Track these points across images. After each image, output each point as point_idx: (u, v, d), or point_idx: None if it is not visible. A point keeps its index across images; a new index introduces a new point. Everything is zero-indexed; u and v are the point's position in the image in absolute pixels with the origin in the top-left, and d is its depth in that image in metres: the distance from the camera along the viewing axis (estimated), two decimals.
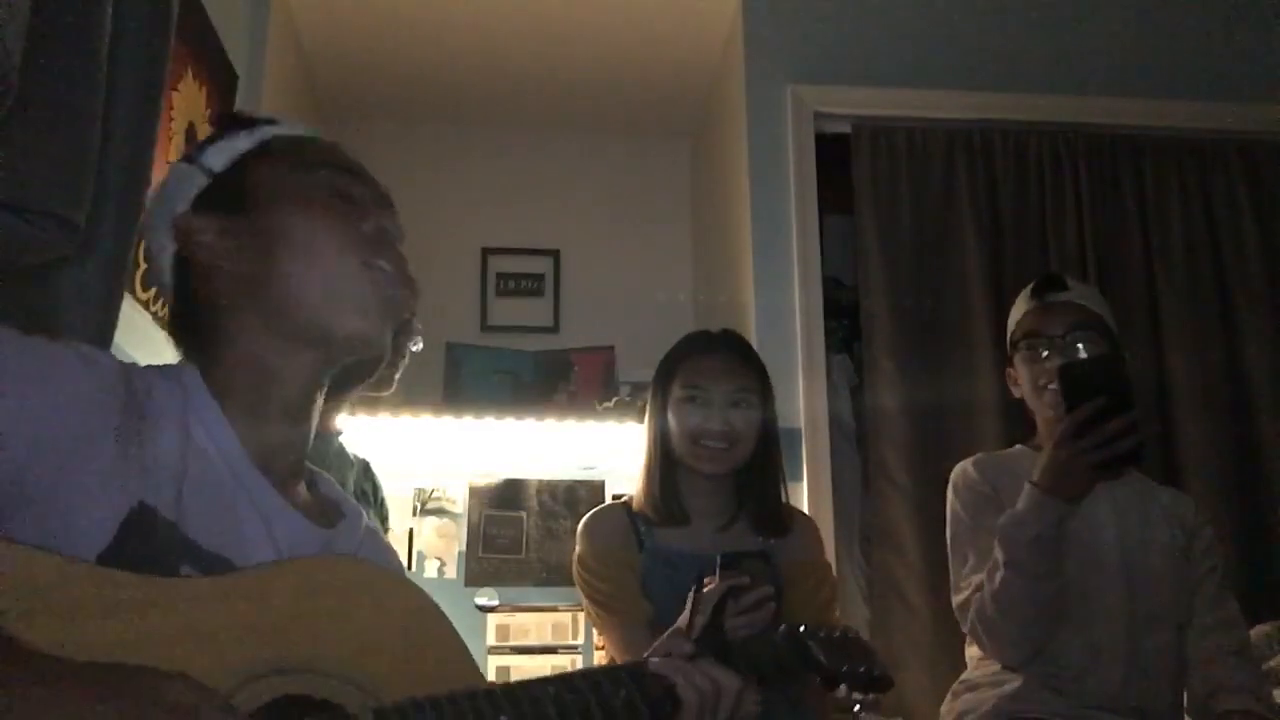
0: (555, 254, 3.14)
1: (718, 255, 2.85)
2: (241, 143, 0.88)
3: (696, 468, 1.64)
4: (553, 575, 2.61)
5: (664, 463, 1.66)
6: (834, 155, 2.48)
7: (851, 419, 2.70)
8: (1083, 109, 2.54)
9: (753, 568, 1.45)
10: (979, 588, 1.52)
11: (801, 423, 2.28)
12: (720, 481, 1.67)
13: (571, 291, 3.12)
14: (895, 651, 2.20)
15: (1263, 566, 2.26)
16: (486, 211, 3.14)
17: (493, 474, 2.66)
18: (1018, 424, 2.29)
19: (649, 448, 1.69)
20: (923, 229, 2.44)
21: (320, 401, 0.89)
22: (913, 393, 2.32)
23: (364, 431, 2.27)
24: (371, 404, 2.24)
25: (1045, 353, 1.59)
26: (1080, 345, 1.57)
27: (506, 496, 2.66)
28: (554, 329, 3.08)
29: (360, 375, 0.94)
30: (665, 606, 1.56)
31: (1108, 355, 1.56)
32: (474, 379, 2.88)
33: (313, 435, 0.89)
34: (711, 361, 1.67)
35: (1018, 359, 1.66)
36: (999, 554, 1.47)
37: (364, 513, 0.96)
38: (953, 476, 1.67)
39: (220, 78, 1.98)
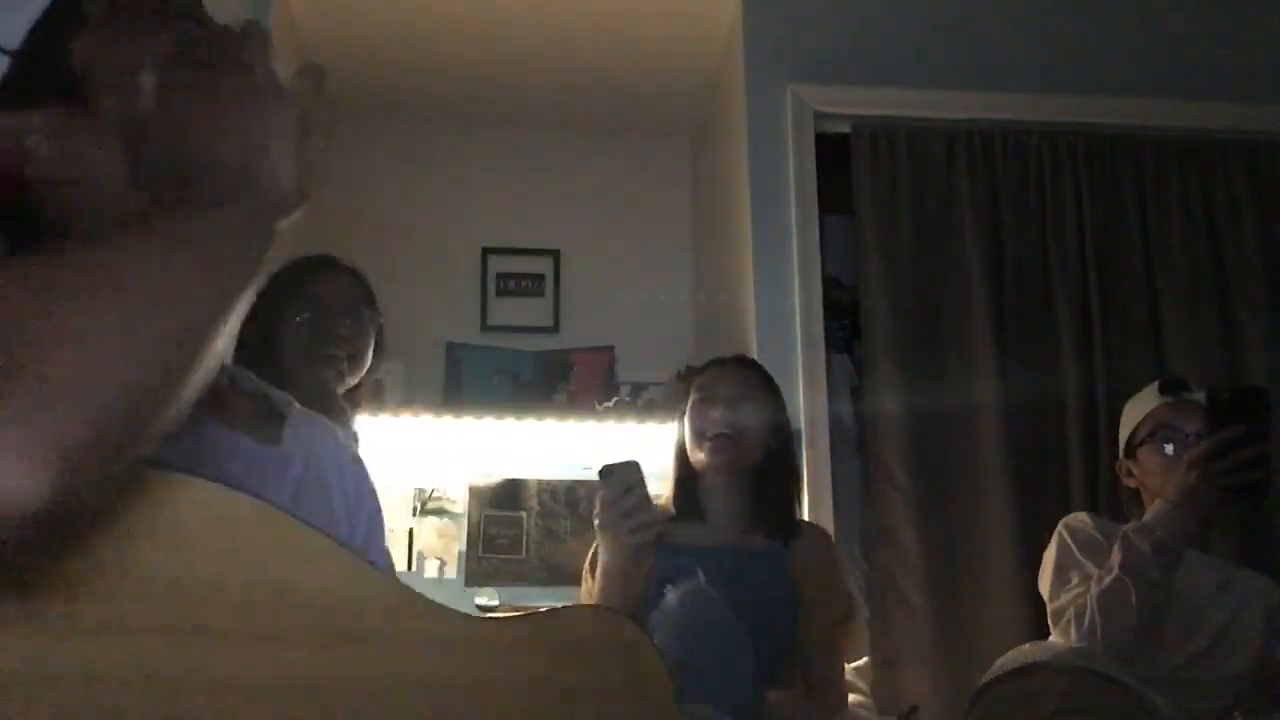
0: (555, 254, 3.14)
1: (718, 255, 2.85)
2: (28, 5, 0.61)
3: (708, 463, 1.73)
4: (553, 575, 2.61)
5: (682, 465, 1.79)
6: (834, 155, 2.48)
7: (851, 419, 2.70)
8: (1083, 109, 2.54)
9: (628, 475, 1.53)
10: (1079, 595, 1.61)
11: (802, 423, 2.28)
12: (734, 483, 1.75)
13: (571, 291, 3.12)
14: (895, 651, 2.20)
15: (1265, 569, 2.26)
16: (486, 211, 3.14)
17: (493, 474, 2.66)
18: (1018, 424, 2.30)
19: (674, 455, 1.82)
20: (923, 229, 2.44)
21: None
22: (913, 393, 2.32)
23: (364, 431, 2.27)
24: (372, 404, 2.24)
25: (1178, 448, 1.69)
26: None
27: (506, 496, 2.67)
28: (554, 329, 3.08)
29: None
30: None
31: (1255, 388, 1.68)
32: (474, 379, 2.88)
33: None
34: (719, 369, 1.83)
35: (1146, 450, 1.76)
36: (1115, 557, 1.56)
37: (293, 401, 0.87)
38: (1068, 520, 1.78)
39: None
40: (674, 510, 1.77)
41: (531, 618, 0.68)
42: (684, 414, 1.80)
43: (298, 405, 0.88)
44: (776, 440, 1.78)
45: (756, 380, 1.81)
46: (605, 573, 1.62)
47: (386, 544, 0.93)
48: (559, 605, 0.72)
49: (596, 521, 1.58)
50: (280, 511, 0.57)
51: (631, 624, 0.71)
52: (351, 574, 0.58)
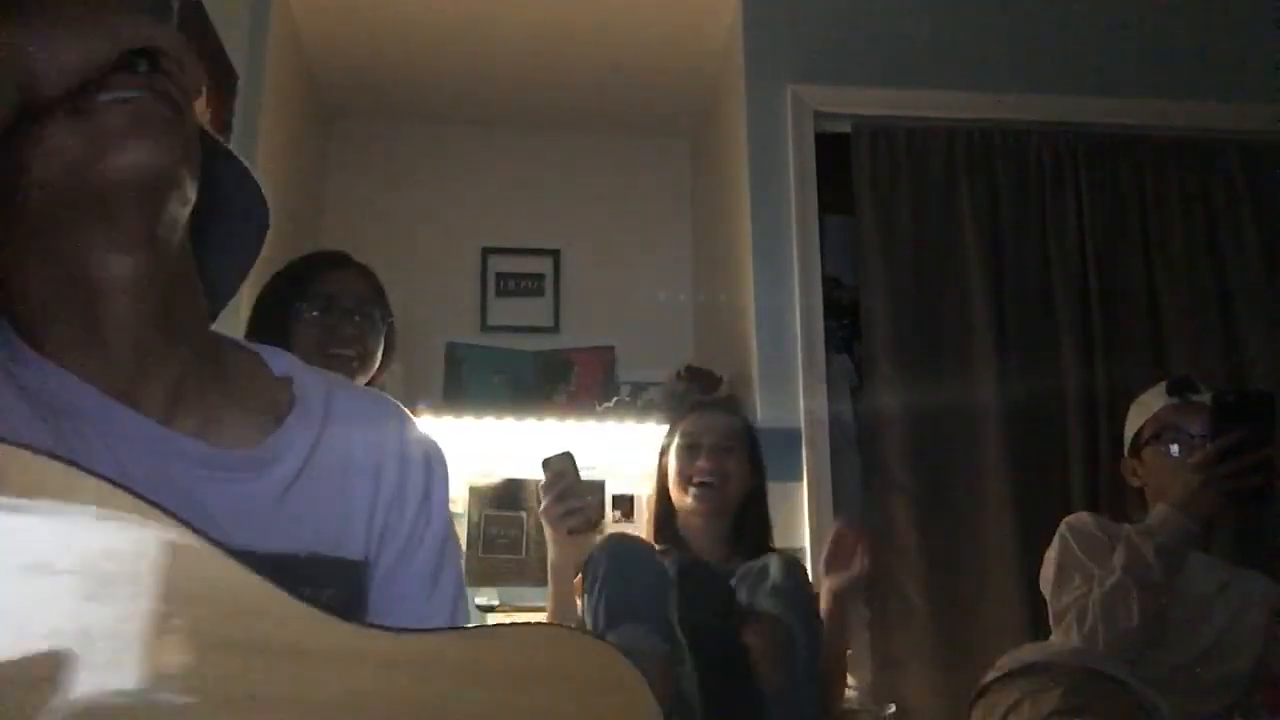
0: (555, 254, 3.14)
1: (718, 255, 2.85)
2: None
3: (693, 508, 1.82)
4: None
5: (663, 504, 1.88)
6: (834, 155, 2.48)
7: (851, 419, 2.70)
8: (1083, 109, 2.54)
9: (561, 465, 1.67)
10: (1081, 596, 1.61)
11: (801, 423, 2.28)
12: (714, 522, 1.83)
13: (571, 291, 3.12)
14: (895, 651, 2.20)
15: (1266, 569, 2.26)
16: (486, 211, 3.14)
17: (493, 474, 2.66)
18: (1018, 424, 2.31)
19: (655, 493, 1.92)
20: (923, 229, 2.44)
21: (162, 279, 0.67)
22: (912, 393, 2.32)
23: None
24: None
25: (1183, 449, 1.69)
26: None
27: (506, 496, 2.66)
28: (554, 329, 3.08)
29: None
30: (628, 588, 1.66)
31: (1261, 391, 1.66)
32: (474, 379, 2.88)
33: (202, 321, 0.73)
34: (704, 415, 1.91)
35: (1151, 450, 1.76)
36: (1118, 560, 1.56)
37: (330, 387, 0.79)
38: (1070, 520, 1.77)
39: (220, 78, 1.98)
40: (656, 545, 1.86)
41: (459, 634, 0.56)
42: (665, 453, 1.89)
43: (324, 388, 0.79)
44: (755, 482, 1.88)
45: (739, 429, 1.90)
46: (552, 565, 1.68)
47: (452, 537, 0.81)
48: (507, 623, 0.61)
49: (540, 512, 1.68)
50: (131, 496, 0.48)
51: (608, 648, 0.57)
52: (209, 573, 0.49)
